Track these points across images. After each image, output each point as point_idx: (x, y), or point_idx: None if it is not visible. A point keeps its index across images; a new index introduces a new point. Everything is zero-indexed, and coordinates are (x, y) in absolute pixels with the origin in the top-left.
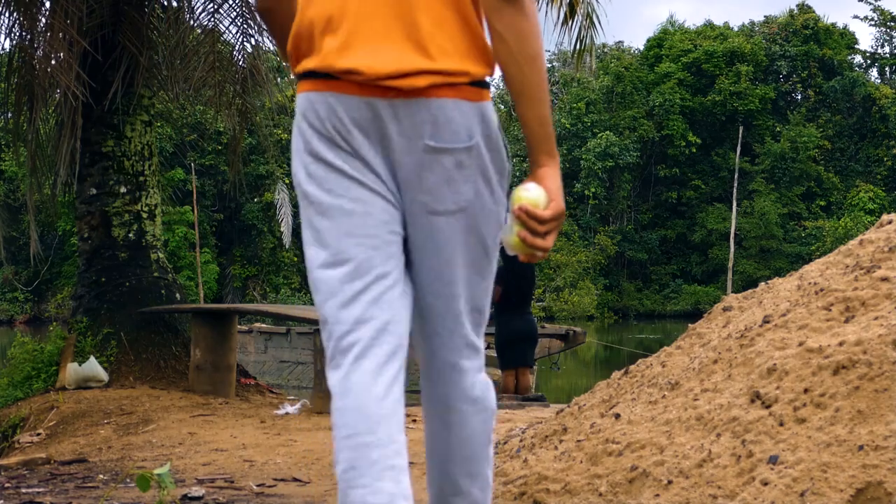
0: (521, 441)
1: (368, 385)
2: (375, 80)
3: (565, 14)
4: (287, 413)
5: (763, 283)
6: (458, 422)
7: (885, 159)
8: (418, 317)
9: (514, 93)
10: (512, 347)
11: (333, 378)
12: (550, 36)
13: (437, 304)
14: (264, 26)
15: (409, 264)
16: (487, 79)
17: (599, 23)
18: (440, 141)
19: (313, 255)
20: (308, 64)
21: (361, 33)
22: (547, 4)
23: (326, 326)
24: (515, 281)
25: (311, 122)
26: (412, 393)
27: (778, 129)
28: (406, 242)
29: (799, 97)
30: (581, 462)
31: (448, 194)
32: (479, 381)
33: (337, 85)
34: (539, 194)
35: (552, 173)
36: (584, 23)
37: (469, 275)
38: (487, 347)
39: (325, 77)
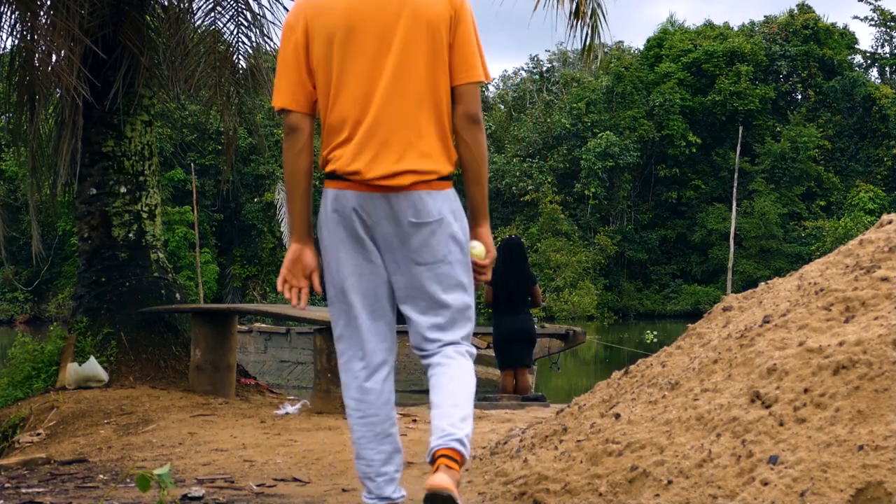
0: (521, 441)
1: (378, 387)
2: (371, 181)
3: (573, 10)
4: (287, 413)
5: (763, 283)
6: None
7: (885, 159)
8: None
9: (468, 179)
10: (509, 347)
11: (356, 382)
12: (552, 35)
13: (421, 313)
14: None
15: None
16: (449, 174)
17: (605, 19)
18: (418, 218)
19: (336, 299)
20: (337, 167)
21: (368, 148)
22: (556, 2)
23: (345, 354)
24: (505, 279)
25: (338, 210)
26: (413, 393)
27: (778, 129)
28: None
29: (799, 97)
30: (581, 462)
31: (423, 252)
32: (458, 346)
33: (353, 184)
34: (482, 249)
35: (487, 231)
36: (591, 21)
37: (442, 292)
38: (487, 347)
39: (346, 178)
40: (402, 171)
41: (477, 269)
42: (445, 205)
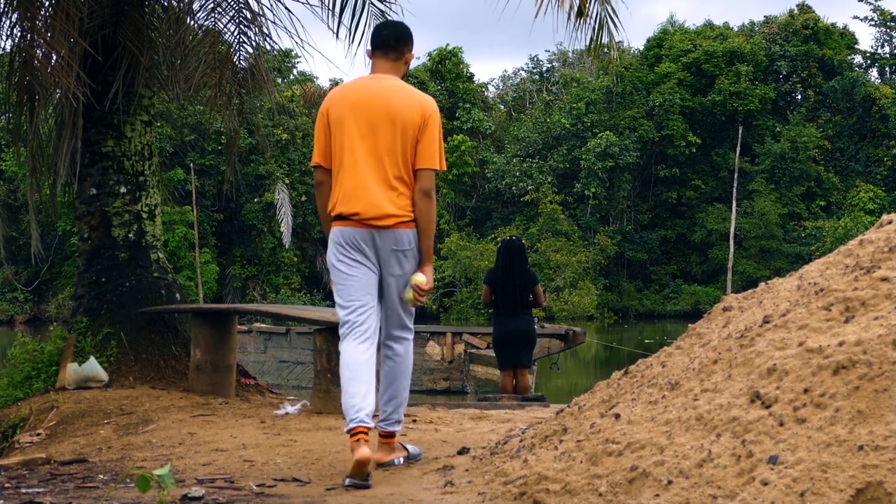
0: (521, 441)
1: (360, 349)
2: (367, 220)
3: (576, 10)
4: (287, 413)
5: (763, 283)
6: (395, 363)
7: (885, 159)
8: (384, 315)
9: (419, 232)
10: (507, 348)
11: (344, 346)
12: (554, 35)
13: (389, 310)
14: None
15: (381, 296)
16: (412, 220)
17: (616, 17)
18: (398, 246)
19: (342, 292)
20: (341, 210)
21: (364, 199)
22: (557, 3)
23: (346, 325)
24: (503, 279)
25: (344, 239)
26: (412, 393)
27: (778, 129)
28: (381, 286)
29: (799, 97)
30: (581, 462)
31: (397, 268)
32: (407, 344)
33: (354, 223)
34: (424, 279)
35: (430, 269)
36: (596, 19)
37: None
38: (487, 347)
39: (348, 218)
40: (388, 215)
41: (419, 293)
42: (413, 239)
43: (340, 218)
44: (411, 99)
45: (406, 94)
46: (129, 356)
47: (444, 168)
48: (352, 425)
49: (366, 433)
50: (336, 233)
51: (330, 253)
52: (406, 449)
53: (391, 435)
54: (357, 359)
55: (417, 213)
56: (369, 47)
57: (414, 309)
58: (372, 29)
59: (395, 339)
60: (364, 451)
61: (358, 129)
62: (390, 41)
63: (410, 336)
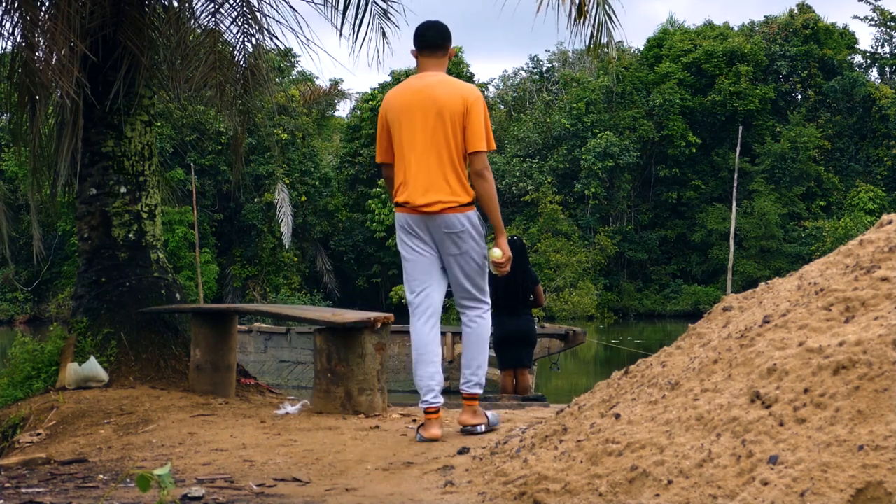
0: (521, 441)
1: (425, 329)
2: (417, 207)
3: (576, 9)
4: (287, 413)
5: (763, 283)
6: (468, 332)
7: (885, 159)
8: (453, 289)
9: (484, 209)
10: (508, 348)
11: (412, 326)
12: (555, 35)
13: (455, 285)
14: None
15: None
16: (468, 202)
17: (615, 17)
18: (448, 229)
19: (405, 275)
20: (397, 199)
21: (414, 188)
22: (558, 2)
23: (411, 306)
24: (504, 279)
25: (401, 225)
26: (412, 393)
27: (778, 129)
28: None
29: (799, 97)
30: (581, 462)
31: (454, 248)
32: (479, 311)
33: (408, 210)
34: (499, 252)
35: (503, 240)
36: (595, 19)
37: (465, 273)
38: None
39: (403, 206)
40: (434, 202)
41: (497, 266)
42: (466, 220)
43: (398, 205)
44: (454, 89)
45: (449, 86)
46: (129, 356)
47: (493, 147)
48: (423, 406)
49: (436, 413)
50: (397, 219)
51: (397, 238)
52: (486, 416)
53: (472, 398)
54: (422, 339)
55: (477, 194)
56: (414, 48)
57: (486, 281)
58: (414, 30)
59: (465, 308)
60: (434, 431)
61: (411, 126)
62: (437, 41)
63: (482, 306)
